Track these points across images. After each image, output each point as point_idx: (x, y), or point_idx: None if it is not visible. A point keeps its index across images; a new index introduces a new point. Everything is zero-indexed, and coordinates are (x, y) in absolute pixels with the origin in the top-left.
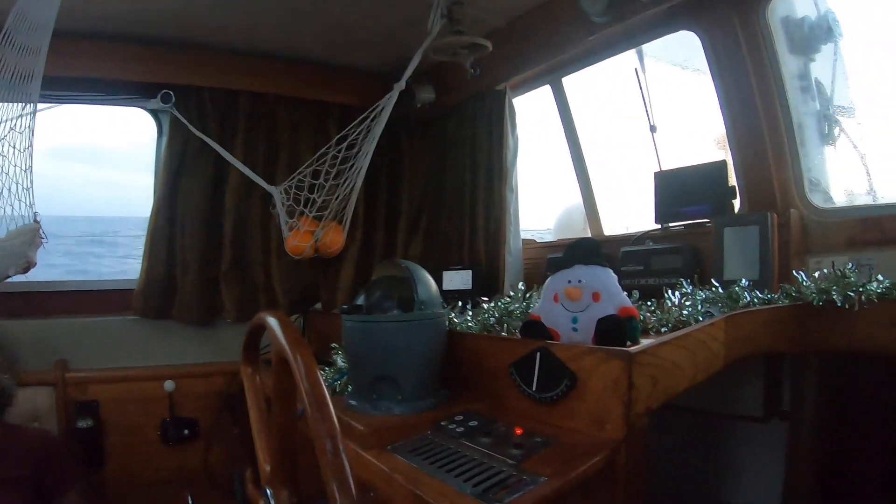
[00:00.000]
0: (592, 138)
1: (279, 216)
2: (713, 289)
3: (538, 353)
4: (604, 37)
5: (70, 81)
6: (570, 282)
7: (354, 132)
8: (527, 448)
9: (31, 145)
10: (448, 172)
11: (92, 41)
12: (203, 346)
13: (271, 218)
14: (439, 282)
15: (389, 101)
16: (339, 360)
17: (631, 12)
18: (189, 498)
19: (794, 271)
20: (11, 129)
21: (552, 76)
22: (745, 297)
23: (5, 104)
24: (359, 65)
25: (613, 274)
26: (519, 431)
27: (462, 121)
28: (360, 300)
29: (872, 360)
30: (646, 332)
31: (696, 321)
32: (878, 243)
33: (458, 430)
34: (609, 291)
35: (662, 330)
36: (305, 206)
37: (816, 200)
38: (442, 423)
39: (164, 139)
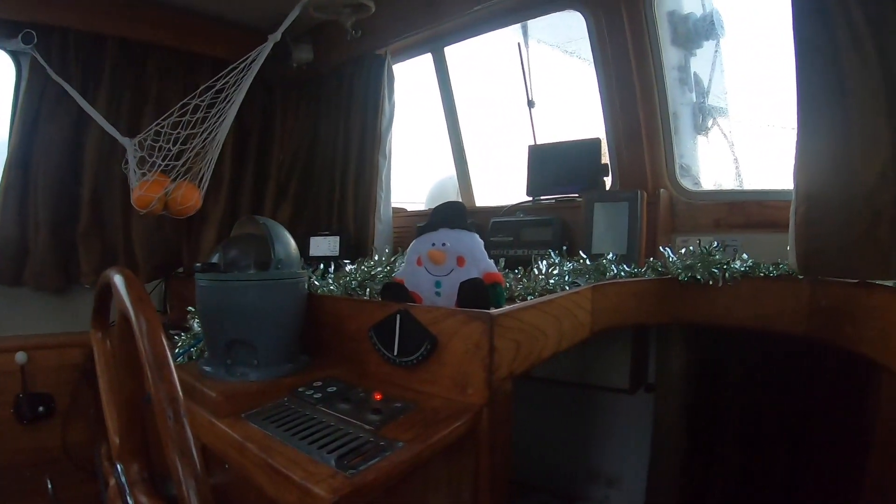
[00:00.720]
0: (470, 111)
1: (129, 170)
2: (581, 261)
3: (398, 316)
4: (489, 8)
5: None
6: (434, 245)
7: (223, 81)
8: (386, 414)
9: None
10: (321, 136)
11: None
12: (58, 315)
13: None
14: (306, 247)
15: (262, 52)
16: (196, 325)
17: None
18: (48, 482)
19: (661, 248)
20: None
21: (434, 44)
22: (613, 270)
23: None
24: (235, 17)
25: (479, 239)
26: (378, 397)
27: (339, 84)
28: (216, 258)
29: (731, 332)
30: (511, 301)
31: (563, 290)
32: (742, 226)
33: (315, 396)
34: (474, 256)
35: (528, 298)
36: (159, 157)
37: (686, 184)
38: (300, 390)
39: (23, 84)
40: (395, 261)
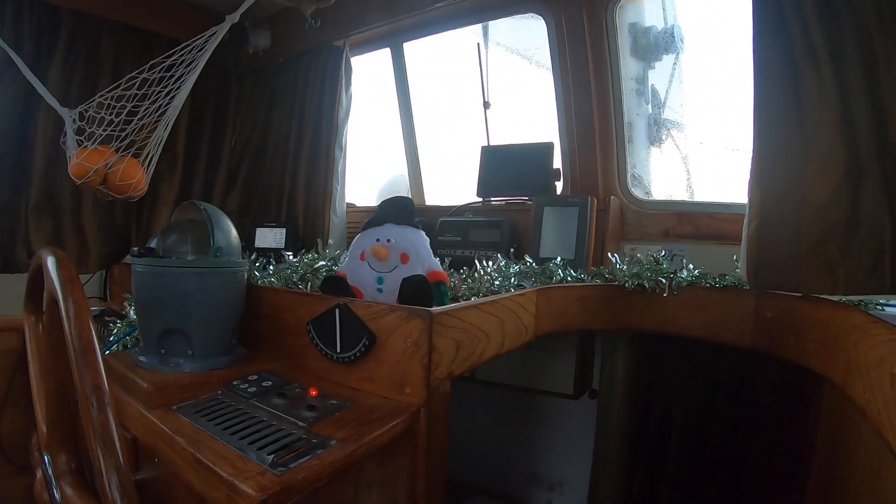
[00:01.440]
0: (425, 109)
1: (67, 143)
2: (528, 263)
3: (337, 311)
4: (451, 7)
5: None
6: (378, 240)
7: (174, 58)
8: (321, 411)
9: None
10: (273, 125)
11: None
12: None
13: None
14: (252, 238)
15: (219, 32)
16: (132, 313)
17: None
18: None
19: (609, 254)
20: None
21: (394, 39)
22: (559, 275)
23: None
24: None
25: (425, 236)
26: (314, 393)
27: (296, 73)
28: (153, 243)
29: (677, 341)
30: (456, 301)
31: (508, 292)
32: (690, 236)
33: (250, 390)
34: (419, 254)
35: (472, 298)
36: (101, 128)
37: (638, 193)
38: (234, 383)
39: None
40: (339, 255)
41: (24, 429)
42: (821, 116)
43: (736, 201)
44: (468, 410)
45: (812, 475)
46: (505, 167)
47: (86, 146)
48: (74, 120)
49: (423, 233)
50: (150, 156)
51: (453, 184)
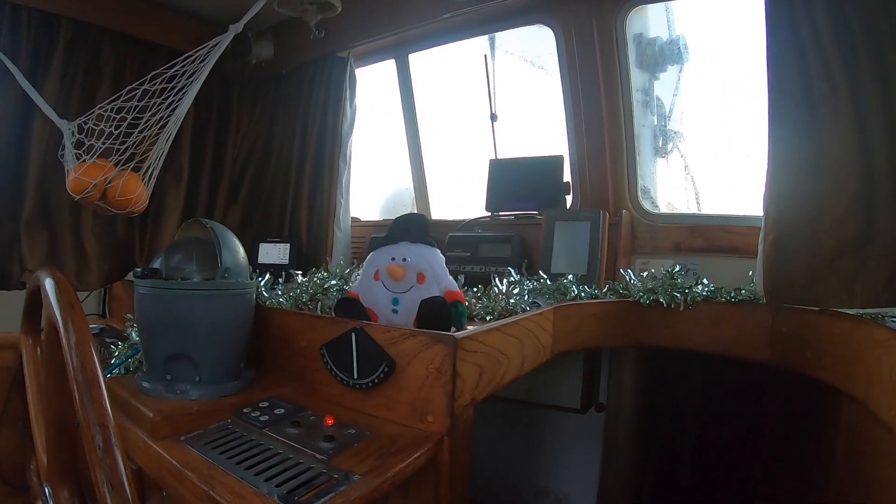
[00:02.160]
0: (431, 122)
1: (66, 156)
2: (541, 280)
3: (353, 335)
4: (458, 18)
5: None
6: (393, 259)
7: (176, 69)
8: (339, 441)
9: None
10: (276, 137)
11: None
12: None
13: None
14: (255, 254)
15: (222, 42)
16: (134, 334)
17: None
18: None
19: (621, 270)
20: None
21: (399, 51)
22: (574, 291)
23: None
24: (197, 7)
25: (441, 255)
26: (330, 421)
27: (299, 84)
28: (157, 263)
29: (682, 353)
30: (471, 320)
31: (523, 311)
32: (702, 250)
33: (262, 418)
34: (435, 273)
35: (488, 318)
36: (101, 141)
37: (647, 206)
38: (245, 410)
39: None
40: (349, 273)
41: (20, 448)
42: (835, 131)
43: (746, 213)
44: (475, 425)
45: (831, 492)
46: (514, 180)
47: (84, 160)
48: (73, 133)
49: (439, 251)
50: (150, 169)
51: (459, 198)
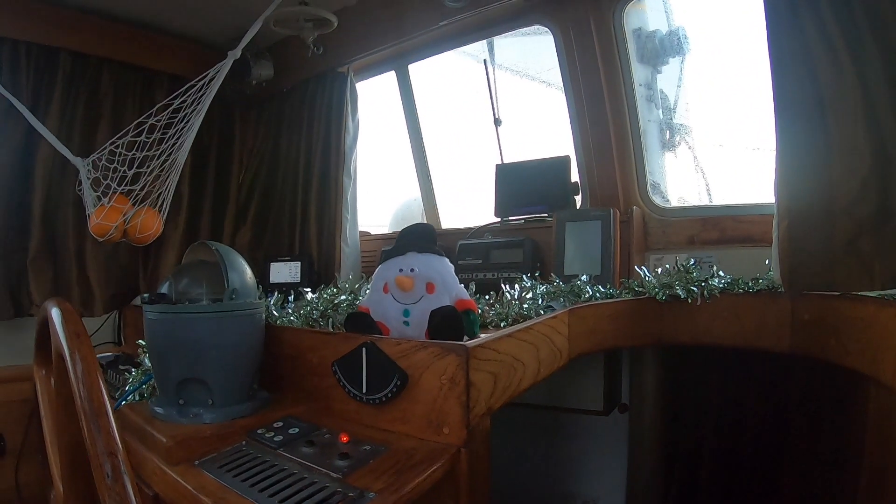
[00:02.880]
0: (435, 131)
1: (84, 193)
2: (554, 283)
3: (364, 349)
4: (455, 25)
5: None
6: (401, 270)
7: (181, 100)
8: (354, 458)
9: None
10: (281, 156)
11: None
12: (7, 347)
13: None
14: (266, 274)
15: (222, 69)
16: (147, 361)
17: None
18: None
19: (635, 267)
20: None
21: (398, 62)
22: (588, 292)
23: None
24: (194, 32)
25: (450, 263)
26: (345, 439)
27: (300, 101)
28: (165, 288)
29: (702, 347)
30: (484, 328)
31: (538, 315)
32: (716, 241)
33: (276, 438)
34: (445, 282)
35: (502, 325)
36: (115, 180)
37: (658, 201)
38: (259, 432)
39: None
40: (359, 288)
41: (42, 479)
42: (842, 109)
43: (759, 201)
44: (497, 433)
45: (862, 484)
46: (521, 184)
47: (103, 204)
48: (90, 171)
49: (447, 259)
50: (162, 200)
51: (469, 205)
